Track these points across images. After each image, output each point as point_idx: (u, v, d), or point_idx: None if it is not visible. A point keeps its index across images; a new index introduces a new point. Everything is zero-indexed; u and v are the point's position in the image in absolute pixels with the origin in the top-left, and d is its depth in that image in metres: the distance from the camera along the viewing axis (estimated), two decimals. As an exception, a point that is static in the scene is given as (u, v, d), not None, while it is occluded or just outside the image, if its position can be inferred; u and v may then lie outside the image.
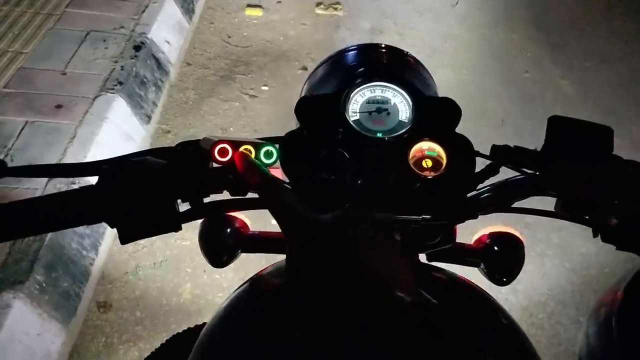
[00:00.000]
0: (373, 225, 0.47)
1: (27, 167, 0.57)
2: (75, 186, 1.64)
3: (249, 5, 3.15)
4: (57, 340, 1.57)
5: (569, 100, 2.73)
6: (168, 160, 0.53)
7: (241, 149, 0.53)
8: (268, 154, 0.54)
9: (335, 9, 3.19)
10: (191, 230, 2.05)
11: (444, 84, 0.68)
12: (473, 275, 0.71)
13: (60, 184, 1.74)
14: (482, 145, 0.62)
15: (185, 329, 0.89)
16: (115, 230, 0.50)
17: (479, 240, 0.76)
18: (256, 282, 0.69)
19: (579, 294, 1.93)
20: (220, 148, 0.53)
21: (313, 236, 0.44)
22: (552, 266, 2.01)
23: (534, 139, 0.60)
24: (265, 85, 2.67)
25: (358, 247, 0.44)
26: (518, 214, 0.65)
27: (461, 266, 0.74)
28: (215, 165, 0.54)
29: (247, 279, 0.71)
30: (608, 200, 0.53)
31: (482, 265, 0.74)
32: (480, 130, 2.34)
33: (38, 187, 1.74)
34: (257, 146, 0.54)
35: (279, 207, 0.46)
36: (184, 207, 0.55)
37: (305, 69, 2.76)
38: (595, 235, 0.56)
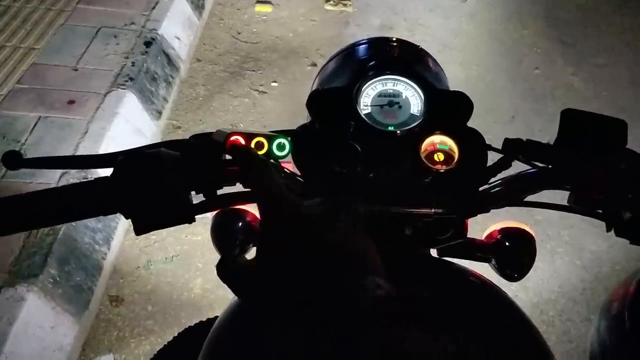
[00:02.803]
0: (359, 214, 0.46)
1: (43, 159, 0.58)
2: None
3: (259, 2, 3.15)
4: (70, 333, 1.59)
5: (580, 96, 2.71)
6: (182, 153, 0.53)
7: (254, 141, 0.54)
8: (280, 147, 0.55)
9: (345, 5, 3.18)
10: (202, 225, 2.06)
11: (454, 80, 0.68)
12: (484, 271, 0.71)
13: (73, 179, 1.76)
14: (492, 142, 0.62)
15: (197, 322, 0.90)
16: (127, 225, 0.51)
17: (490, 235, 0.76)
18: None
19: (589, 292, 1.92)
20: (234, 140, 0.53)
21: (296, 222, 0.43)
22: (562, 263, 2.00)
23: (545, 136, 0.61)
24: (275, 82, 2.67)
25: (341, 235, 0.43)
26: (528, 212, 0.65)
27: (472, 262, 0.74)
28: (228, 157, 0.55)
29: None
30: (622, 193, 0.53)
31: (493, 261, 0.73)
32: (490, 126, 2.33)
33: (51, 182, 1.76)
34: (270, 138, 0.54)
35: (264, 191, 0.45)
36: (197, 199, 0.55)
37: (314, 65, 2.76)
38: (608, 229, 0.55)
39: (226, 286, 0.44)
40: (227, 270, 0.44)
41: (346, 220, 0.44)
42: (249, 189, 0.57)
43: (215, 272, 0.45)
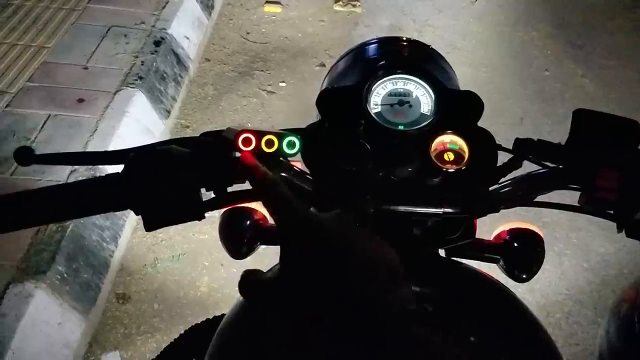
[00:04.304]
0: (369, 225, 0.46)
1: (54, 155, 0.58)
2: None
3: (268, 2, 3.15)
4: (77, 330, 1.60)
5: (590, 98, 2.70)
6: (192, 150, 0.54)
7: (264, 139, 0.54)
8: (291, 145, 0.55)
9: (354, 5, 3.18)
10: (209, 224, 2.07)
11: (463, 81, 0.68)
12: (491, 272, 0.71)
13: (82, 177, 1.77)
14: (501, 143, 0.61)
15: (204, 320, 0.90)
16: (134, 223, 0.51)
17: (498, 236, 0.75)
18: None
19: (597, 294, 1.91)
20: (244, 138, 0.53)
21: (307, 234, 0.43)
22: (570, 265, 1.99)
23: (554, 137, 0.60)
24: (283, 82, 2.68)
25: (352, 247, 0.42)
26: (536, 214, 0.64)
27: (479, 262, 0.73)
28: (238, 154, 0.55)
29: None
30: (633, 194, 0.52)
31: (501, 262, 0.73)
32: (498, 128, 2.30)
33: (60, 179, 1.77)
34: (280, 136, 0.54)
35: (275, 203, 0.45)
36: (207, 196, 0.55)
37: (323, 65, 2.77)
38: (619, 230, 0.55)
39: (231, 285, 0.44)
40: (250, 286, 0.44)
41: (364, 231, 0.45)
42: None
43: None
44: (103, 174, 0.52)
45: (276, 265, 0.68)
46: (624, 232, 0.55)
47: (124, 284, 1.83)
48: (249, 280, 0.44)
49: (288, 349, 0.51)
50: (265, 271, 0.46)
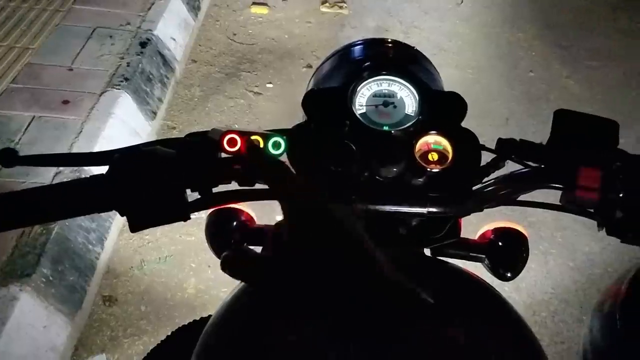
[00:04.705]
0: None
1: (38, 156, 0.58)
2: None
3: (255, 3, 3.15)
4: (63, 333, 1.58)
5: (575, 99, 2.73)
6: (177, 150, 0.54)
7: (249, 139, 0.54)
8: (276, 145, 0.55)
9: (341, 7, 3.19)
10: (196, 225, 2.06)
11: (449, 82, 0.68)
12: (476, 271, 0.71)
13: (66, 179, 1.75)
14: (486, 144, 0.62)
15: (191, 321, 0.90)
16: (120, 225, 0.51)
17: (483, 235, 0.76)
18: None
19: (582, 293, 1.93)
20: (229, 138, 0.53)
21: (324, 223, 0.43)
22: (555, 265, 2.01)
23: (538, 138, 0.61)
24: (270, 83, 2.68)
25: (361, 238, 0.43)
26: (521, 214, 0.65)
27: (465, 261, 0.74)
28: (224, 155, 0.55)
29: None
30: (613, 193, 0.53)
31: (486, 261, 0.74)
32: (484, 129, 2.32)
33: (45, 181, 1.75)
34: (266, 137, 0.54)
35: (289, 194, 0.46)
36: (192, 197, 0.55)
37: (310, 66, 2.77)
38: (600, 228, 0.56)
39: (219, 286, 0.44)
40: (236, 262, 0.44)
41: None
42: (246, 187, 0.57)
43: (210, 270, 0.44)
44: (88, 176, 0.52)
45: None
46: (604, 230, 0.56)
47: (111, 287, 1.82)
48: (237, 257, 0.44)
49: (275, 349, 0.51)
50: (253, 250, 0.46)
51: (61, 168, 1.79)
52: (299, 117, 0.67)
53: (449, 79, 0.74)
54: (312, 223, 0.43)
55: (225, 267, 0.43)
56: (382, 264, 0.43)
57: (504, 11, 3.32)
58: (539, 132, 2.45)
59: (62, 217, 0.52)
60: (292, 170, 0.61)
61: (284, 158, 0.59)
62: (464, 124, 0.62)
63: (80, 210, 0.51)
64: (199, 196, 0.56)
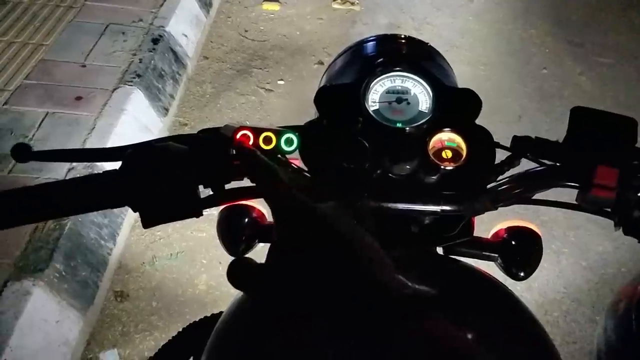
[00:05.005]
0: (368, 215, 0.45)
1: (51, 152, 0.58)
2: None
3: (266, 0, 3.15)
4: (75, 328, 1.60)
5: (588, 96, 2.70)
6: (190, 147, 0.53)
7: (262, 136, 0.54)
8: (289, 142, 0.55)
9: (352, 3, 3.18)
10: (207, 222, 2.06)
11: (460, 79, 0.68)
12: (489, 270, 0.71)
13: (79, 175, 1.76)
14: (499, 141, 0.61)
15: (202, 317, 0.90)
16: (132, 221, 0.51)
17: (496, 234, 0.75)
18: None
19: (595, 293, 1.91)
20: (242, 134, 0.53)
21: (308, 223, 0.42)
22: (568, 264, 1.99)
23: (552, 136, 0.60)
24: (282, 80, 2.67)
25: (352, 236, 0.42)
26: (534, 212, 0.64)
27: (478, 260, 0.73)
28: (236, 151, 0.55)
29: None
30: (631, 192, 0.52)
31: (499, 260, 0.73)
32: (496, 126, 2.30)
33: (58, 177, 1.76)
34: (278, 133, 0.54)
35: (274, 192, 0.45)
36: (205, 193, 0.55)
37: (321, 63, 2.76)
38: (617, 228, 0.55)
39: (229, 283, 0.43)
40: (238, 273, 0.43)
41: (357, 219, 0.44)
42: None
43: (226, 275, 0.44)
44: (100, 172, 0.52)
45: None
46: (621, 229, 0.55)
47: (122, 282, 1.83)
48: (239, 269, 0.43)
49: (286, 346, 0.51)
50: (256, 261, 0.46)
51: (74, 164, 1.80)
52: (311, 114, 0.67)
53: (461, 76, 0.74)
54: (299, 222, 0.42)
55: (228, 278, 0.43)
56: (378, 263, 0.42)
57: (516, 7, 3.29)
58: (552, 130, 2.43)
59: (75, 212, 0.52)
60: (302, 168, 0.60)
61: (297, 155, 0.59)
62: (479, 124, 0.61)
63: (93, 206, 0.52)
64: (211, 192, 0.56)
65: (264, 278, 0.41)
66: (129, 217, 1.92)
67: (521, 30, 3.11)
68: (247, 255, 0.64)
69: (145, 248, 1.93)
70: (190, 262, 1.90)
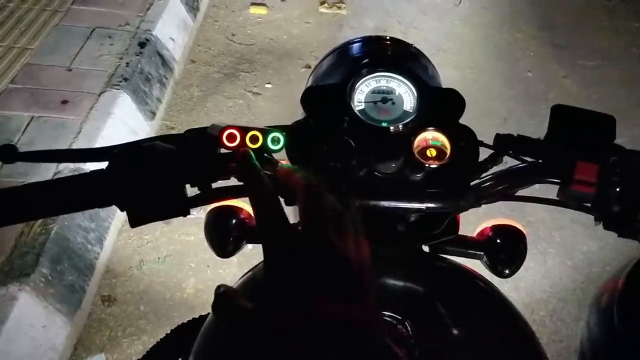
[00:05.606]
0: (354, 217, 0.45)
1: (38, 152, 0.58)
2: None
3: (253, 4, 3.16)
4: (62, 332, 1.59)
5: (572, 98, 2.73)
6: (177, 146, 0.54)
7: (248, 135, 0.54)
8: (275, 140, 0.55)
9: (339, 7, 3.19)
10: (195, 225, 2.05)
11: (447, 82, 0.69)
12: (475, 268, 0.72)
13: (65, 179, 1.75)
14: (482, 140, 0.62)
15: (190, 319, 0.90)
16: (119, 224, 0.51)
17: (481, 232, 0.76)
18: (259, 272, 0.69)
19: (580, 292, 1.93)
20: (229, 134, 0.54)
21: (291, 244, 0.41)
22: (554, 264, 2.01)
23: (537, 136, 0.61)
24: (269, 83, 2.68)
25: (337, 239, 0.41)
26: (520, 213, 0.65)
27: (464, 259, 0.74)
28: (223, 150, 0.55)
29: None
30: (610, 187, 0.54)
31: (484, 258, 0.74)
32: (483, 129, 2.33)
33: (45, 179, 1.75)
34: (265, 132, 0.55)
35: (259, 197, 0.44)
36: (192, 192, 0.56)
37: (308, 67, 2.77)
38: (597, 223, 0.56)
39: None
40: (224, 307, 0.42)
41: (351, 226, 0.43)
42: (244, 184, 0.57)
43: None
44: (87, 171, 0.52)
45: (250, 272, 0.66)
46: (601, 224, 0.56)
47: (110, 286, 1.82)
48: (224, 300, 0.42)
49: (274, 348, 0.51)
50: (238, 287, 0.44)
51: (60, 167, 1.79)
52: (298, 116, 0.68)
53: (448, 79, 0.75)
54: (280, 221, 0.42)
55: (213, 309, 0.41)
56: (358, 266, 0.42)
57: (502, 12, 3.33)
58: (538, 132, 2.44)
59: (62, 212, 0.52)
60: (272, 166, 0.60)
61: (283, 153, 0.59)
62: (462, 124, 0.62)
63: (80, 205, 0.52)
64: (198, 191, 0.56)
65: (251, 320, 0.40)
66: (116, 221, 1.91)
67: (507, 34, 3.14)
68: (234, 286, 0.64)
69: (132, 252, 1.92)
70: (178, 265, 1.90)
